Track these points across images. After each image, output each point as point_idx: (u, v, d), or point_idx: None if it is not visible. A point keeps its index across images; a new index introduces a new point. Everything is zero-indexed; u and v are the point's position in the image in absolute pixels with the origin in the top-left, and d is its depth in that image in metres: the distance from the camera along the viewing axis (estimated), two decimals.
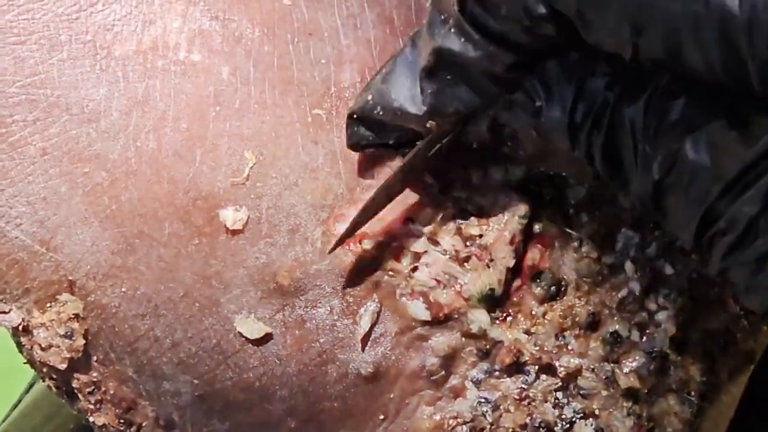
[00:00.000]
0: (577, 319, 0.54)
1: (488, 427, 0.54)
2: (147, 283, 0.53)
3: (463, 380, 0.54)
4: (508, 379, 0.54)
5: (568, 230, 0.54)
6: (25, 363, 0.57)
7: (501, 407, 0.54)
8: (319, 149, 0.53)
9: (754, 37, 0.38)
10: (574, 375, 0.54)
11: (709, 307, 0.55)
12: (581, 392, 0.54)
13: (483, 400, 0.54)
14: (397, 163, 0.53)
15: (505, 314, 0.54)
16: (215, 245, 0.53)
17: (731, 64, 0.40)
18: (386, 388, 0.54)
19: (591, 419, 0.54)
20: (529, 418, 0.54)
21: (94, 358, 0.54)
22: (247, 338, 0.53)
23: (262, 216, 0.53)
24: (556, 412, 0.54)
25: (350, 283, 0.53)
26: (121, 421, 0.56)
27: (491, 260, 0.53)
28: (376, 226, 0.53)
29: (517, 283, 0.54)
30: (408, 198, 0.53)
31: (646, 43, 0.41)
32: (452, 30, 0.47)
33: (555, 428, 0.54)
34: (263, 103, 0.53)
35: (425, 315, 0.53)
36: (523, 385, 0.54)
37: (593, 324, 0.54)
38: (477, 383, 0.54)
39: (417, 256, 0.53)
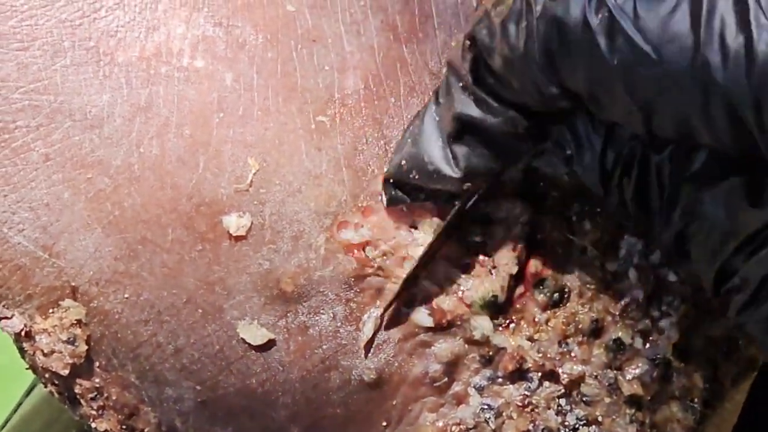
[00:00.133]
0: (580, 326, 0.54)
1: None
2: (150, 289, 0.53)
3: (466, 387, 0.54)
4: (511, 385, 0.54)
5: (571, 237, 0.54)
6: (27, 369, 0.57)
7: (504, 414, 0.54)
8: (323, 156, 0.53)
9: (763, 113, 0.39)
10: (577, 382, 0.54)
11: (712, 314, 0.55)
12: (584, 399, 0.54)
13: (486, 407, 0.54)
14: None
15: (508, 321, 0.54)
16: (218, 251, 0.53)
17: (742, 143, 0.40)
18: (389, 394, 0.54)
19: (594, 426, 0.54)
20: (532, 425, 0.54)
21: (97, 363, 0.54)
22: (250, 345, 0.53)
23: (266, 222, 0.53)
24: (559, 419, 0.54)
25: (353, 290, 0.53)
26: (124, 427, 0.56)
27: (494, 267, 0.53)
28: (379, 233, 0.53)
29: (520, 290, 0.54)
30: (411, 206, 0.53)
31: (657, 127, 0.42)
32: (470, 97, 0.48)
33: None
34: (267, 109, 0.53)
35: (428, 321, 0.53)
36: (526, 392, 0.54)
37: (596, 331, 0.54)
38: (480, 390, 0.54)
39: (420, 263, 0.53)
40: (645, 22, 0.40)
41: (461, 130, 0.49)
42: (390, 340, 0.54)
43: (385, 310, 0.53)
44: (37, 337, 0.54)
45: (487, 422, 0.54)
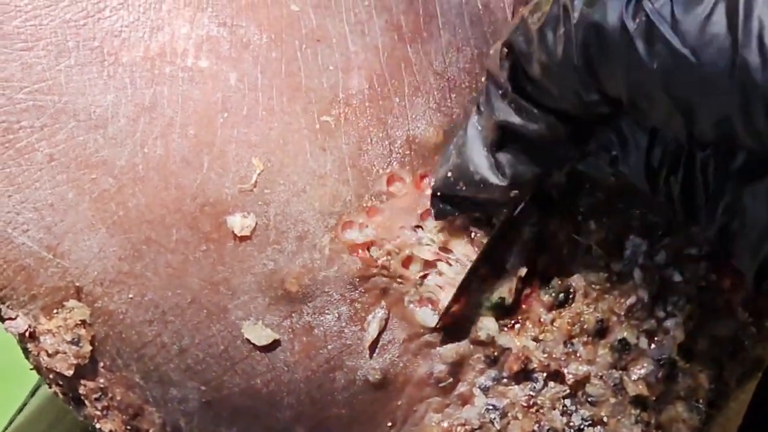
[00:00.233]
0: (585, 326, 0.54)
1: None
2: (154, 289, 0.53)
3: (471, 387, 0.54)
4: (516, 386, 0.54)
5: (576, 237, 0.54)
6: (31, 369, 0.57)
7: (509, 414, 0.54)
8: (327, 156, 0.53)
9: None
10: (582, 382, 0.54)
11: (717, 315, 0.55)
12: (589, 399, 0.54)
13: (491, 407, 0.54)
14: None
15: (513, 321, 0.54)
16: (223, 252, 0.52)
17: None
18: (394, 395, 0.54)
19: (599, 426, 0.54)
20: (537, 425, 0.54)
21: (101, 364, 0.54)
22: (254, 345, 0.53)
23: (270, 223, 0.52)
24: (564, 419, 0.54)
25: (358, 290, 0.53)
26: (128, 427, 0.55)
27: (502, 269, 0.53)
28: (384, 233, 0.53)
29: (526, 290, 0.54)
30: (416, 205, 0.53)
31: (699, 132, 0.42)
32: (511, 105, 0.48)
33: None
34: (271, 109, 0.53)
35: (433, 322, 0.53)
36: (531, 392, 0.54)
37: (601, 331, 0.54)
38: (485, 390, 0.54)
39: (426, 264, 0.53)
40: (683, 25, 0.40)
41: (503, 138, 0.49)
42: (395, 340, 0.54)
43: (441, 317, 0.53)
44: (42, 338, 0.54)
45: (493, 423, 0.54)
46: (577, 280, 0.54)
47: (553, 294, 0.54)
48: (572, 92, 0.45)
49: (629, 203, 0.54)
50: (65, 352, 0.54)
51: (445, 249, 0.53)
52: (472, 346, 0.54)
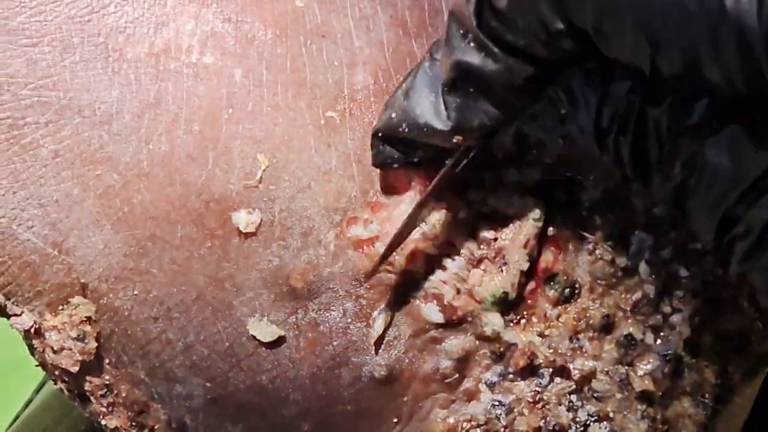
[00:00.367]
0: (591, 321, 0.54)
1: (502, 430, 0.54)
2: (159, 285, 0.53)
3: (476, 383, 0.54)
4: (521, 381, 0.54)
5: (581, 232, 0.54)
6: (37, 366, 0.57)
7: (515, 410, 0.54)
8: (332, 152, 0.53)
9: None
10: (588, 378, 0.54)
11: (723, 310, 0.55)
12: (595, 395, 0.54)
13: (497, 403, 0.54)
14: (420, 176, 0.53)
15: (518, 317, 0.54)
16: (228, 248, 0.52)
17: (751, 77, 0.39)
18: (400, 391, 0.54)
19: (605, 422, 0.54)
20: (543, 421, 0.53)
21: (107, 360, 0.54)
22: (260, 341, 0.53)
23: (275, 219, 0.52)
24: (570, 415, 0.54)
25: (363, 286, 0.53)
26: (133, 423, 0.55)
27: (505, 263, 0.53)
28: (389, 229, 0.53)
29: (531, 285, 0.54)
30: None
31: (664, 59, 0.41)
32: (471, 44, 0.47)
33: (569, 431, 0.54)
34: (276, 105, 0.53)
35: (439, 318, 0.53)
36: (537, 388, 0.54)
37: (607, 326, 0.54)
38: (491, 386, 0.54)
39: (431, 259, 0.53)
40: None
41: (457, 79, 0.48)
42: (400, 336, 0.53)
43: (375, 267, 0.52)
44: (47, 334, 0.54)
45: (498, 418, 0.54)
46: (582, 276, 0.54)
47: (559, 289, 0.54)
48: (539, 23, 0.44)
49: (575, 171, 0.53)
50: (70, 349, 0.54)
51: (447, 243, 0.53)
52: (477, 342, 0.54)
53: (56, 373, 0.55)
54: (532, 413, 0.54)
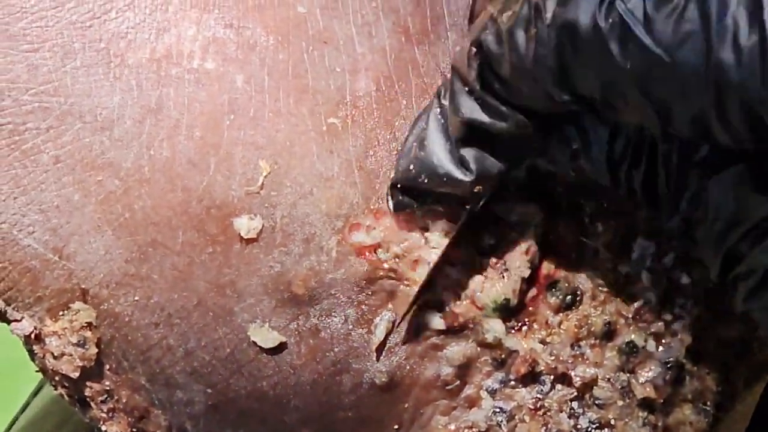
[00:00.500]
0: (592, 328, 0.54)
1: None
2: (160, 291, 0.53)
3: (478, 390, 0.54)
4: (523, 388, 0.54)
5: (583, 239, 0.54)
6: (37, 371, 0.57)
7: (516, 417, 0.54)
8: (335, 158, 0.53)
9: None
10: (589, 385, 0.54)
11: (725, 317, 0.55)
12: (597, 402, 0.54)
13: (498, 410, 0.54)
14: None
15: (520, 324, 0.54)
16: (229, 254, 0.52)
17: (759, 140, 0.40)
18: (401, 397, 0.54)
19: (606, 429, 0.54)
20: (545, 428, 0.53)
21: (107, 366, 0.54)
22: (261, 347, 0.53)
23: (277, 225, 0.52)
24: (572, 422, 0.54)
25: (365, 293, 0.53)
26: (134, 429, 0.55)
27: (506, 270, 0.53)
28: (391, 235, 0.53)
29: (532, 292, 0.54)
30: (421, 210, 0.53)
31: (674, 128, 0.42)
32: (478, 101, 0.48)
33: None
34: (278, 111, 0.52)
35: (440, 324, 0.53)
36: (539, 395, 0.54)
37: (609, 334, 0.54)
38: (492, 393, 0.54)
39: (432, 266, 0.53)
40: (656, 24, 0.40)
41: (469, 135, 0.49)
42: (402, 342, 0.53)
43: (403, 316, 0.53)
44: (47, 340, 0.54)
45: (500, 425, 0.53)
46: (584, 282, 0.54)
47: (560, 296, 0.54)
48: (543, 93, 0.45)
49: (587, 197, 0.53)
50: (71, 354, 0.54)
51: (450, 250, 0.53)
52: (479, 349, 0.54)
53: (56, 378, 0.55)
54: (533, 420, 0.54)
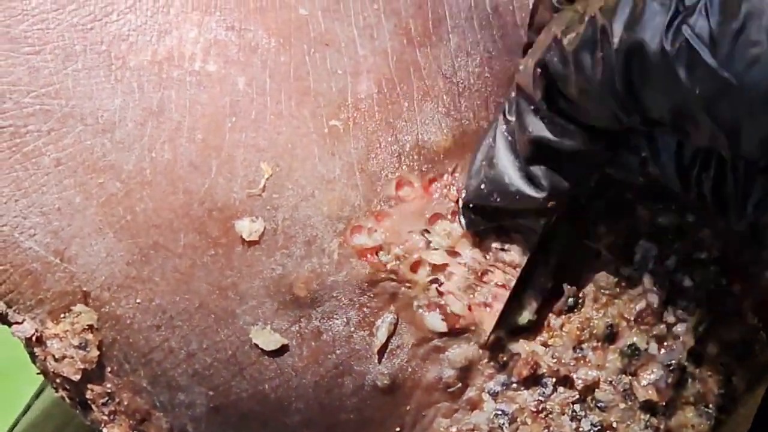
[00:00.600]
0: (594, 331, 0.54)
1: None
2: (162, 294, 0.53)
3: (480, 392, 0.54)
4: (525, 391, 0.54)
5: (586, 242, 0.54)
6: (38, 373, 0.57)
7: (518, 420, 0.54)
8: (336, 160, 0.52)
9: None
10: (591, 387, 0.54)
11: (727, 320, 0.55)
12: (599, 405, 0.54)
13: (500, 413, 0.54)
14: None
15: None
16: (231, 256, 0.52)
17: None
18: (403, 400, 0.54)
19: None
20: (547, 430, 0.53)
21: (108, 369, 0.54)
22: (263, 350, 0.53)
23: (278, 227, 0.52)
24: (574, 424, 0.54)
25: (367, 295, 0.53)
26: None
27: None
28: (393, 237, 0.52)
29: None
30: (425, 209, 0.53)
31: (743, 152, 0.42)
32: (544, 121, 0.48)
33: None
34: (279, 113, 0.52)
35: (442, 327, 0.53)
36: (541, 398, 0.54)
37: (611, 336, 0.54)
38: (494, 395, 0.54)
39: (435, 268, 0.53)
40: (722, 48, 0.40)
41: (538, 153, 0.49)
42: (404, 345, 0.53)
43: (488, 340, 0.53)
44: (49, 342, 0.54)
45: (501, 428, 0.53)
46: (586, 285, 0.54)
47: (563, 299, 0.54)
48: (611, 114, 0.45)
49: (657, 201, 0.54)
50: (72, 357, 0.53)
51: (452, 253, 0.53)
52: (481, 351, 0.53)
53: (58, 381, 0.55)
54: (535, 423, 0.54)
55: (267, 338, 0.53)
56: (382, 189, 0.53)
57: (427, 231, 0.53)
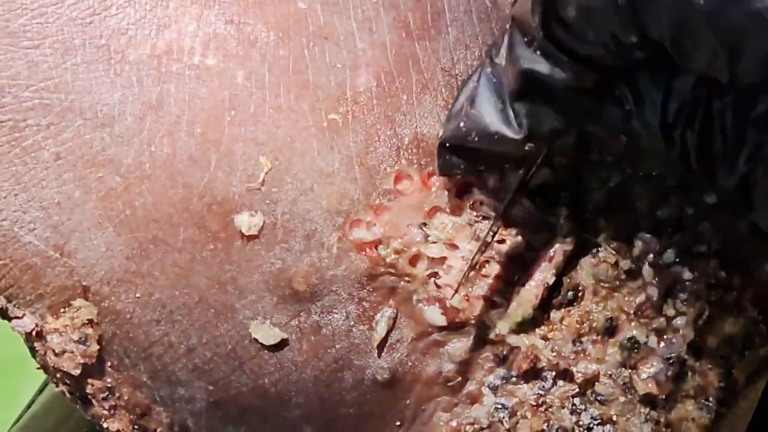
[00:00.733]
0: (594, 324, 0.53)
1: None
2: (161, 288, 0.53)
3: (479, 386, 0.54)
4: (525, 385, 0.54)
5: (585, 235, 0.53)
6: (38, 368, 0.57)
7: (518, 413, 0.53)
8: (335, 154, 0.52)
9: None
10: (591, 381, 0.53)
11: (727, 312, 0.54)
12: (599, 398, 0.54)
13: (500, 406, 0.54)
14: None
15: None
16: (230, 251, 0.52)
17: None
18: (402, 394, 0.54)
19: (608, 425, 0.54)
20: (546, 424, 0.53)
21: (108, 363, 0.54)
22: (262, 344, 0.53)
23: (278, 221, 0.52)
24: (574, 418, 0.53)
25: (366, 289, 0.53)
26: (135, 426, 0.55)
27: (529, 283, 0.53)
28: (391, 231, 0.52)
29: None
30: (424, 202, 0.53)
31: (743, 70, 0.41)
32: (537, 52, 0.47)
33: None
34: (278, 107, 0.52)
35: (441, 320, 0.53)
36: (540, 391, 0.54)
37: (610, 329, 0.54)
38: (494, 389, 0.54)
39: (433, 261, 0.53)
40: None
41: (526, 87, 0.48)
42: (403, 339, 0.53)
43: (460, 284, 0.52)
44: (49, 337, 0.54)
45: (501, 422, 0.53)
46: (585, 279, 0.54)
47: (562, 292, 0.54)
48: (610, 36, 0.44)
49: (635, 166, 0.53)
50: (72, 351, 0.54)
51: (451, 246, 0.53)
52: (480, 345, 0.53)
53: (58, 375, 0.55)
54: (535, 416, 0.53)
55: (266, 333, 0.53)
56: (381, 182, 0.53)
57: (425, 224, 0.53)
